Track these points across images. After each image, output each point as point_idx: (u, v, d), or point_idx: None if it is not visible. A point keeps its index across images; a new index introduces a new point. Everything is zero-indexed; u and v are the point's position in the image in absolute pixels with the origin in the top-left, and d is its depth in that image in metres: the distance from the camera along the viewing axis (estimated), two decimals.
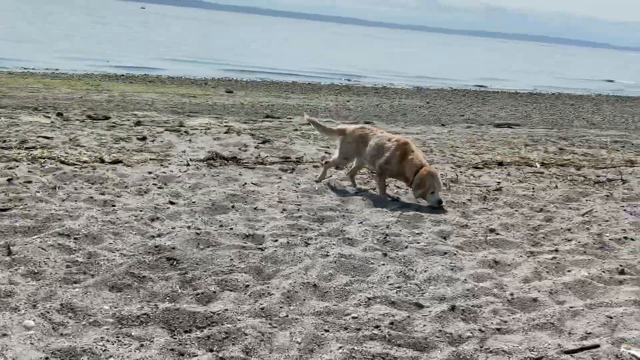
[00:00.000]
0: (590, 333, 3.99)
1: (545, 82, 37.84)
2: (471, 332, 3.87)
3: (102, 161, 7.85)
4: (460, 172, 8.82)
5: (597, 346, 3.75)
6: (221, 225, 5.60)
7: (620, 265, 5.17)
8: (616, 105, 25.65)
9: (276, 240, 5.29)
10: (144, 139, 9.57)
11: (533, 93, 29.11)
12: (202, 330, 3.68)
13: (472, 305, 4.27)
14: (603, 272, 5.02)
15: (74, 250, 4.76)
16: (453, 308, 4.18)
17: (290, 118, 13.80)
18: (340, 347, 3.54)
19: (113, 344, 3.48)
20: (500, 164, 9.74)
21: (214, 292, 4.20)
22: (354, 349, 3.54)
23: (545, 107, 22.12)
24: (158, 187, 6.78)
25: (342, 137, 7.47)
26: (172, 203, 6.21)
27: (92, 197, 6.19)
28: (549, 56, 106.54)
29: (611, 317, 4.18)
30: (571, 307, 4.31)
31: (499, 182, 8.33)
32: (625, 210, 7.16)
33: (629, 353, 3.71)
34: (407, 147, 7.07)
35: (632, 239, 6.02)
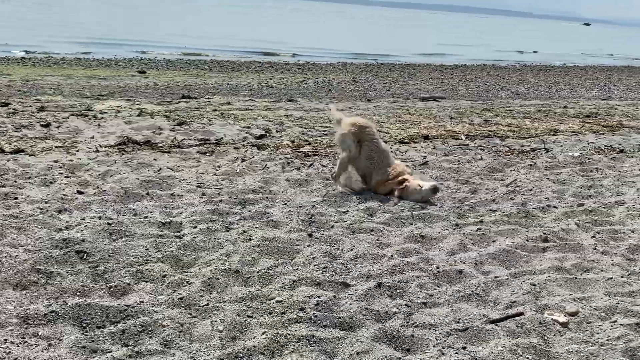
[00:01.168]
0: (514, 302, 4.18)
1: (472, 55, 38.86)
2: (397, 308, 3.97)
3: (2, 151, 7.51)
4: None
5: (521, 314, 3.93)
6: (135, 214, 5.48)
7: (544, 233, 5.42)
8: (540, 75, 26.67)
9: (195, 227, 5.24)
10: (47, 125, 9.21)
11: (458, 65, 29.86)
12: (116, 325, 3.60)
13: (399, 281, 4.37)
14: (527, 240, 5.25)
15: None
16: (379, 285, 4.27)
17: (209, 98, 13.62)
18: (264, 333, 3.56)
19: (18, 346, 3.36)
20: (426, 137, 9.97)
21: (129, 284, 4.12)
22: (278, 333, 3.56)
23: (470, 79, 22.75)
24: (65, 177, 6.55)
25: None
26: (80, 193, 6.02)
27: None
28: (476, 28, 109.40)
29: (535, 285, 4.38)
30: (496, 277, 4.50)
31: (425, 157, 8.53)
32: (548, 178, 7.50)
33: (552, 319, 3.91)
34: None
35: (555, 207, 6.32)
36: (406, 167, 6.75)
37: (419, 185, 6.34)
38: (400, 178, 6.42)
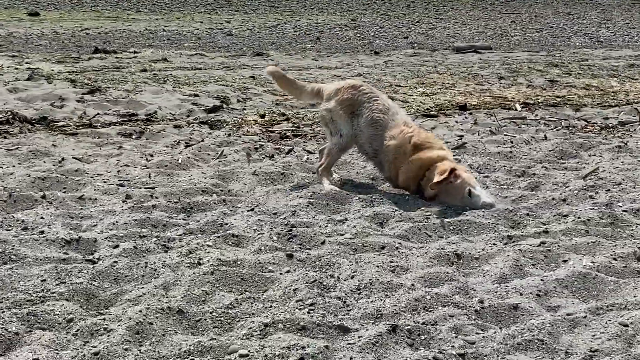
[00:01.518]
0: (597, 350, 4.17)
1: None
2: None
3: None
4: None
5: None
6: (25, 228, 5.47)
7: (639, 248, 5.42)
8: (633, 11, 26.80)
9: (116, 246, 5.22)
10: None
11: (510, 0, 29.99)
12: None
13: (423, 323, 4.36)
14: (614, 259, 5.25)
15: None
16: (394, 329, 4.26)
17: (136, 52, 13.59)
18: None
19: None
20: (463, 107, 10.00)
21: (17, 333, 4.09)
22: None
23: (528, 20, 22.84)
24: None
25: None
26: None
27: None
28: None
29: (627, 325, 4.38)
30: (568, 315, 4.49)
31: (462, 136, 8.55)
32: None
33: None
34: None
35: None
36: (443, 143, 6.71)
37: (471, 187, 6.31)
38: (442, 164, 6.39)
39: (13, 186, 6.26)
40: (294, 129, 8.72)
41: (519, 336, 4.27)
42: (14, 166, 6.79)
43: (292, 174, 7.02)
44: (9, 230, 5.42)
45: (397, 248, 5.45)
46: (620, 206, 6.38)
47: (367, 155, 6.85)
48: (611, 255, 5.33)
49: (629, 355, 4.12)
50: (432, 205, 6.37)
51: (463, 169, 6.48)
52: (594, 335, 4.32)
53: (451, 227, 5.89)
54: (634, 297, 4.78)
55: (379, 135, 6.63)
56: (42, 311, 4.33)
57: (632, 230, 5.90)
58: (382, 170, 6.76)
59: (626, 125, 9.27)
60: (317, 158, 7.60)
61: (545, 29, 20.80)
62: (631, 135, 8.79)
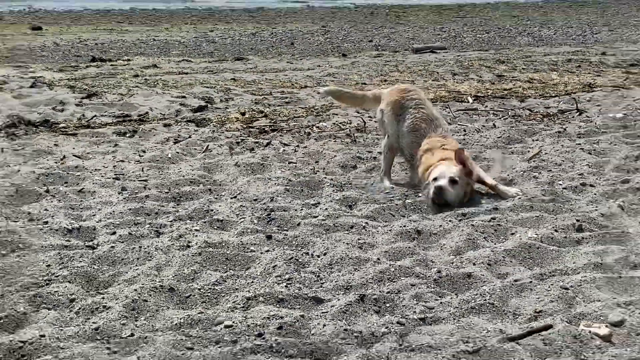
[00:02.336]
0: (541, 312, 4.19)
1: None
2: (387, 327, 3.97)
3: None
4: (369, 117, 8.98)
5: (549, 327, 3.95)
6: (31, 219, 5.43)
7: (577, 221, 5.46)
8: (570, 12, 26.94)
9: (113, 233, 5.20)
10: None
11: (462, 5, 30.05)
12: None
13: (388, 292, 4.38)
14: (555, 231, 5.29)
15: None
16: (362, 298, 4.27)
17: (129, 60, 13.51)
18: None
19: None
20: None
21: (25, 313, 4.07)
22: None
23: (479, 23, 22.90)
24: None
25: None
26: None
27: None
28: None
29: (567, 288, 4.41)
30: (516, 281, 4.52)
31: None
32: (581, 148, 7.57)
33: (589, 331, 3.94)
34: None
35: (592, 186, 6.38)
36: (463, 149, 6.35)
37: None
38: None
39: (19, 182, 6.22)
40: (271, 124, 8.70)
41: (473, 301, 4.30)
42: (20, 164, 6.76)
43: (270, 165, 7.01)
44: (16, 221, 5.39)
45: (364, 227, 5.46)
46: (560, 184, 6.43)
47: (405, 159, 6.69)
48: (553, 227, 5.37)
49: (570, 314, 4.16)
50: (395, 188, 6.40)
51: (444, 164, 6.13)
52: (538, 298, 4.36)
53: (412, 207, 5.92)
54: (573, 263, 4.82)
55: (417, 143, 6.44)
56: (47, 292, 4.31)
57: (571, 205, 5.94)
58: (413, 175, 6.53)
59: (565, 113, 9.33)
60: (292, 150, 7.60)
61: (493, 30, 20.85)
62: (569, 122, 8.85)
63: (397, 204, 5.94)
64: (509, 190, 6.18)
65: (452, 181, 5.92)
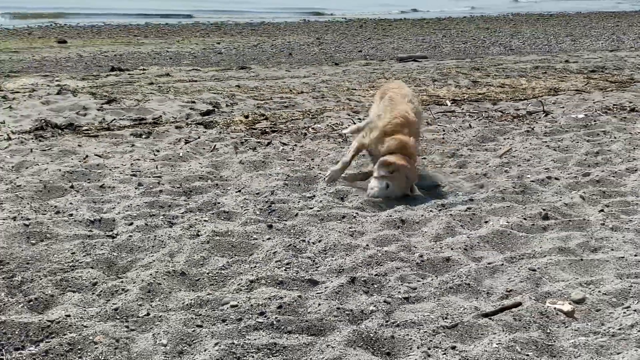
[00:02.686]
0: (511, 291, 4.22)
1: (455, 6, 39.04)
2: (375, 306, 3.99)
3: None
4: (359, 119, 8.98)
5: (519, 304, 3.98)
6: (57, 212, 5.40)
7: (544, 210, 5.48)
8: (537, 25, 26.93)
9: (131, 224, 5.18)
10: None
11: (441, 19, 30.01)
12: (38, 345, 3.56)
13: (376, 275, 4.39)
14: (524, 219, 5.31)
15: None
16: (353, 280, 4.28)
17: (144, 69, 13.47)
18: (216, 344, 3.55)
19: None
20: None
21: (52, 295, 4.07)
22: (234, 343, 3.56)
23: (456, 34, 22.88)
24: None
25: None
26: None
27: None
28: None
29: (534, 270, 4.44)
30: (489, 264, 4.55)
31: None
32: (547, 145, 7.59)
33: (554, 308, 3.97)
34: None
35: (557, 179, 6.40)
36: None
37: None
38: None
39: (47, 179, 6.21)
40: (271, 126, 8.67)
41: (451, 281, 4.32)
42: (48, 163, 6.74)
43: (271, 162, 7.00)
44: (44, 214, 5.37)
45: (354, 217, 5.47)
46: (528, 177, 6.44)
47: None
48: (522, 216, 5.39)
49: (537, 293, 4.18)
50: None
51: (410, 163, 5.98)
52: (509, 279, 4.38)
53: (397, 199, 5.91)
54: (540, 247, 4.84)
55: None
56: (72, 277, 4.31)
57: (538, 196, 5.95)
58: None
59: (533, 114, 9.33)
60: (290, 149, 7.59)
61: (469, 41, 20.83)
62: (537, 122, 8.85)
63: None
64: None
65: (388, 185, 5.83)
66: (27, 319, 3.78)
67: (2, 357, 3.48)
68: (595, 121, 8.79)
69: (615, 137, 7.99)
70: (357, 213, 5.55)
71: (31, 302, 4.01)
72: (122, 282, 4.27)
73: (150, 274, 4.31)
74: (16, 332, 3.67)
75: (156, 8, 31.37)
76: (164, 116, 9.03)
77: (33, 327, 3.71)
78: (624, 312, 3.93)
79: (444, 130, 8.39)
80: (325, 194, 5.99)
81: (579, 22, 28.66)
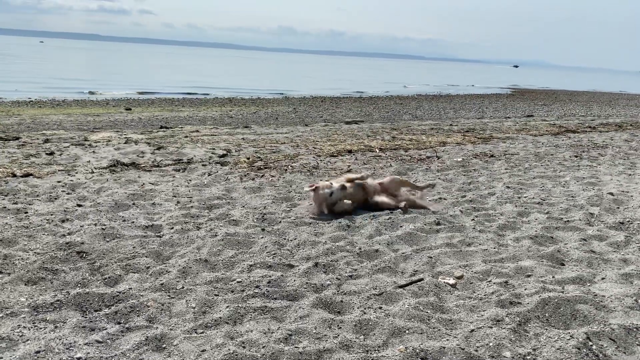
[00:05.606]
0: (417, 270, 4.25)
1: (377, 88, 39.49)
2: (330, 281, 3.99)
3: (14, 175, 7.16)
4: (320, 160, 9.01)
5: (421, 279, 4.00)
6: (124, 220, 5.33)
7: (437, 219, 5.54)
8: (432, 102, 27.34)
9: (172, 228, 5.13)
10: (52, 153, 8.84)
11: (372, 97, 30.31)
12: (110, 308, 3.49)
13: (331, 261, 4.39)
14: (425, 224, 5.36)
15: None
16: (316, 264, 4.28)
17: (182, 127, 13.36)
18: (227, 306, 3.51)
19: (30, 330, 3.21)
20: (350, 152, 10.06)
21: (120, 275, 4.00)
22: (239, 306, 3.52)
23: (382, 107, 23.12)
24: (67, 194, 6.31)
25: None
26: (79, 205, 5.80)
27: (5, 207, 5.62)
28: (378, 68, 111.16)
29: (431, 257, 4.48)
30: (403, 253, 4.57)
31: (349, 165, 8.60)
32: (439, 178, 7.68)
33: (444, 282, 4.00)
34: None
35: (445, 199, 6.47)
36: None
37: (330, 184, 5.59)
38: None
39: (117, 198, 6.11)
40: (264, 164, 8.65)
41: (379, 265, 4.32)
42: (118, 188, 6.63)
43: (264, 188, 6.97)
44: (115, 221, 5.28)
45: (317, 223, 5.46)
46: (427, 198, 6.49)
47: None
48: (423, 223, 5.42)
49: (433, 272, 4.20)
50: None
51: (325, 185, 5.65)
52: (415, 263, 4.40)
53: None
54: (435, 242, 4.88)
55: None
56: (133, 263, 4.24)
57: (433, 210, 6.00)
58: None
59: (430, 158, 9.45)
60: (277, 179, 7.57)
61: (390, 111, 21.07)
62: (432, 163, 8.96)
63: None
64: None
65: (332, 192, 5.60)
66: (103, 291, 3.70)
67: (86, 315, 3.40)
68: (468, 162, 8.93)
69: (481, 173, 8.12)
70: (319, 221, 5.55)
71: (106, 280, 3.93)
72: (166, 266, 4.21)
73: (185, 261, 4.27)
74: (96, 300, 3.60)
75: (192, 85, 31.20)
76: (194, 158, 8.95)
77: (107, 296, 3.63)
78: (487, 284, 3.98)
79: (374, 168, 8.44)
80: (299, 208, 5.97)
81: (459, 100, 29.20)
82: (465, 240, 4.93)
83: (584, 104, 29.16)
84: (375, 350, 3.09)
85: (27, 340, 3.10)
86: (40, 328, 3.23)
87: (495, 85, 53.93)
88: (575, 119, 19.10)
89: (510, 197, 6.54)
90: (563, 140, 12.32)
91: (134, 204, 5.96)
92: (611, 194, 6.66)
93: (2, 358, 2.91)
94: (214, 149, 9.93)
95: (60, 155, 8.76)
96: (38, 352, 2.97)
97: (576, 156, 9.83)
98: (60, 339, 3.10)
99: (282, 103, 23.75)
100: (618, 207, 6.06)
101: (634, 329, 3.23)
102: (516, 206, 6.12)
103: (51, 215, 5.39)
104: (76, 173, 7.45)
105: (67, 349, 3.03)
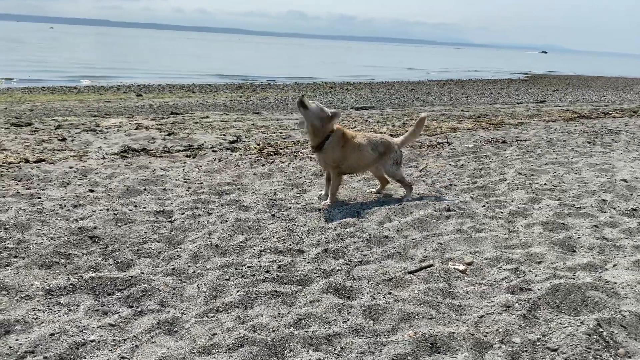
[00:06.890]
0: (426, 257, 4.25)
1: (391, 74, 39.21)
2: (340, 266, 4.00)
3: (27, 161, 7.24)
4: None
5: (431, 265, 4.01)
6: (135, 206, 5.37)
7: (447, 205, 5.52)
8: (444, 88, 27.10)
9: (183, 213, 5.16)
10: (64, 139, 8.91)
11: (383, 82, 30.10)
12: (123, 292, 3.54)
13: (340, 246, 4.40)
14: (435, 211, 5.35)
15: (5, 238, 4.38)
16: (326, 250, 4.29)
17: (192, 113, 13.39)
18: (238, 291, 3.54)
19: (44, 312, 3.27)
20: None
21: (132, 260, 4.04)
22: (249, 290, 3.55)
23: (392, 92, 22.97)
24: (79, 179, 6.36)
25: None
26: (91, 191, 5.86)
27: (19, 192, 5.70)
28: (391, 54, 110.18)
29: (441, 244, 4.47)
30: (412, 239, 4.57)
31: None
32: (450, 164, 7.64)
33: (454, 268, 4.00)
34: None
35: (456, 185, 6.45)
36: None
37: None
38: None
39: (129, 184, 6.16)
40: (274, 151, 8.66)
41: (389, 251, 4.33)
42: (129, 174, 6.68)
43: (273, 174, 6.99)
44: (127, 207, 5.33)
45: (327, 210, 5.47)
46: (438, 184, 6.48)
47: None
48: (434, 209, 5.41)
49: (443, 258, 4.20)
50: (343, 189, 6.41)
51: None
52: (425, 249, 4.40)
53: (357, 200, 5.92)
54: (445, 229, 4.87)
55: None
56: (145, 248, 4.28)
57: (444, 197, 5.99)
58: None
59: (440, 144, 9.40)
60: (287, 165, 7.58)
61: (400, 97, 20.94)
62: (443, 149, 8.91)
63: (345, 198, 5.94)
64: None
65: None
66: (115, 275, 3.75)
67: (99, 299, 3.45)
68: (480, 149, 8.87)
69: (492, 159, 8.07)
70: (329, 207, 5.56)
71: (118, 264, 3.98)
72: (177, 251, 4.25)
73: (196, 246, 4.30)
74: (108, 284, 3.65)
75: (202, 72, 31.19)
76: (205, 144, 8.98)
77: (119, 280, 3.68)
78: (497, 270, 3.98)
79: None
80: (308, 195, 5.98)
81: (470, 86, 28.91)
82: (475, 227, 4.91)
83: (598, 89, 28.77)
84: (384, 335, 3.11)
85: (42, 322, 3.15)
86: (55, 311, 3.29)
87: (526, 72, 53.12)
88: (588, 104, 18.86)
89: (522, 184, 6.49)
90: (576, 126, 12.18)
91: (145, 189, 5.99)
92: (624, 180, 6.59)
93: (17, 340, 2.97)
94: (224, 135, 9.94)
95: (72, 141, 8.83)
96: (52, 334, 3.03)
97: (589, 142, 9.72)
98: (73, 322, 3.16)
99: (291, 89, 23.67)
100: (631, 194, 6.00)
101: None
102: (527, 192, 6.08)
103: (64, 200, 5.44)
104: (88, 159, 7.51)
105: (80, 331, 3.08)
